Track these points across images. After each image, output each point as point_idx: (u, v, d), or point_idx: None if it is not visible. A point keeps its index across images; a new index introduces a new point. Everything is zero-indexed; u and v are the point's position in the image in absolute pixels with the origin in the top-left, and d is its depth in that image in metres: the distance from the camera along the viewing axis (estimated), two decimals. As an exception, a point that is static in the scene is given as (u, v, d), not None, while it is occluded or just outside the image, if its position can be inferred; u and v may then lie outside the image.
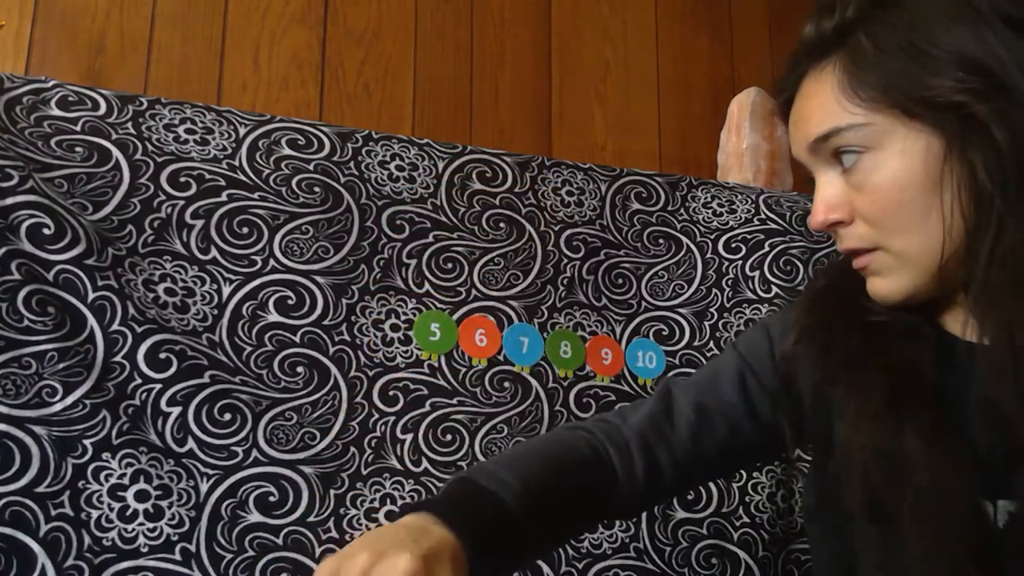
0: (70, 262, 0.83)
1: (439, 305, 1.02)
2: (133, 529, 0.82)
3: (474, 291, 1.04)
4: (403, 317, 1.00)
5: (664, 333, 1.11)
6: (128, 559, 0.81)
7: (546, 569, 0.96)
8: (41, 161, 0.87)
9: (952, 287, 0.65)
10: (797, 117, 0.69)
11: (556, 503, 0.70)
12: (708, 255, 1.16)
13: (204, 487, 0.86)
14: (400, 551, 0.54)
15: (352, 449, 0.93)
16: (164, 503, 0.84)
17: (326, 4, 1.41)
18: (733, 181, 1.34)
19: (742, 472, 1.05)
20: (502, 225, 1.08)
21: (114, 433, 0.83)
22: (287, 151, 1.00)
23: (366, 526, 0.91)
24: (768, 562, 1.02)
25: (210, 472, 0.86)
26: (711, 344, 1.11)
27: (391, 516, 0.92)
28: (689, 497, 1.04)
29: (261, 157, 0.99)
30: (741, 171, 1.39)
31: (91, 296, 0.83)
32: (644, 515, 1.00)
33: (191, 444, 0.86)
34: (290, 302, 0.95)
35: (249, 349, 0.91)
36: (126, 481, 0.82)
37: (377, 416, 0.95)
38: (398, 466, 0.94)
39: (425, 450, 0.96)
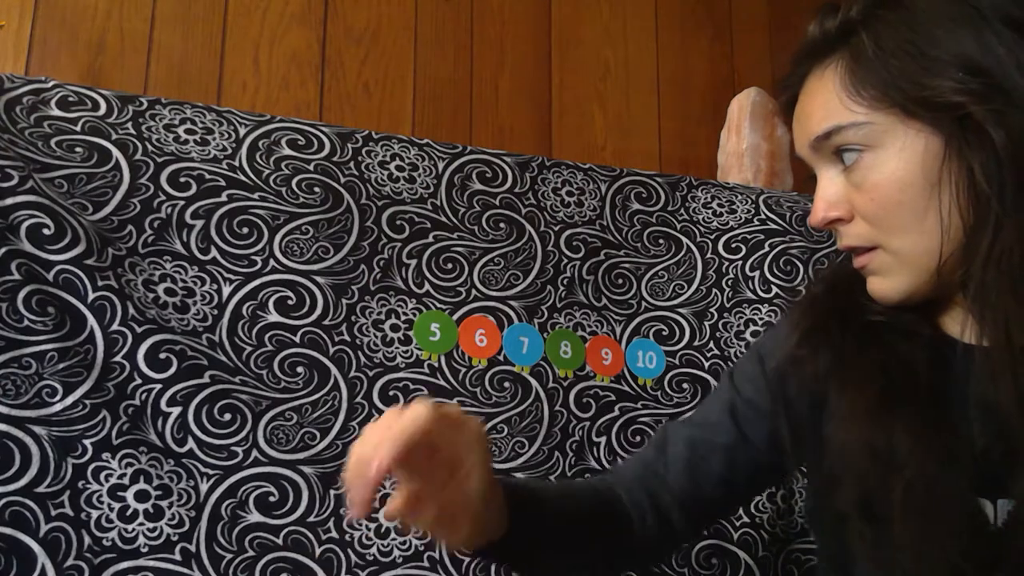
0: (70, 262, 0.83)
1: (439, 305, 1.02)
2: (133, 529, 0.82)
3: (474, 291, 1.04)
4: (403, 317, 1.00)
5: (664, 333, 1.11)
6: (128, 559, 0.81)
7: (546, 569, 0.96)
8: (41, 161, 0.87)
9: (950, 288, 0.65)
10: (800, 115, 0.69)
11: (568, 516, 0.70)
12: (708, 255, 1.16)
13: (204, 487, 0.86)
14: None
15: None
16: (164, 503, 0.84)
17: (326, 4, 1.41)
18: (733, 181, 1.34)
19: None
20: (502, 225, 1.08)
21: (114, 433, 0.83)
22: (287, 151, 1.00)
23: (366, 526, 0.91)
24: (768, 562, 1.02)
25: (210, 472, 0.86)
26: (711, 344, 1.11)
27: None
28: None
29: (261, 157, 0.99)
30: (741, 171, 1.39)
31: (91, 296, 0.83)
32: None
33: (191, 444, 0.86)
34: (290, 302, 0.95)
35: (249, 349, 0.91)
36: (126, 481, 0.82)
37: (377, 416, 0.95)
38: (398, 466, 0.94)
39: (425, 450, 0.96)
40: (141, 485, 0.83)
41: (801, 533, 1.04)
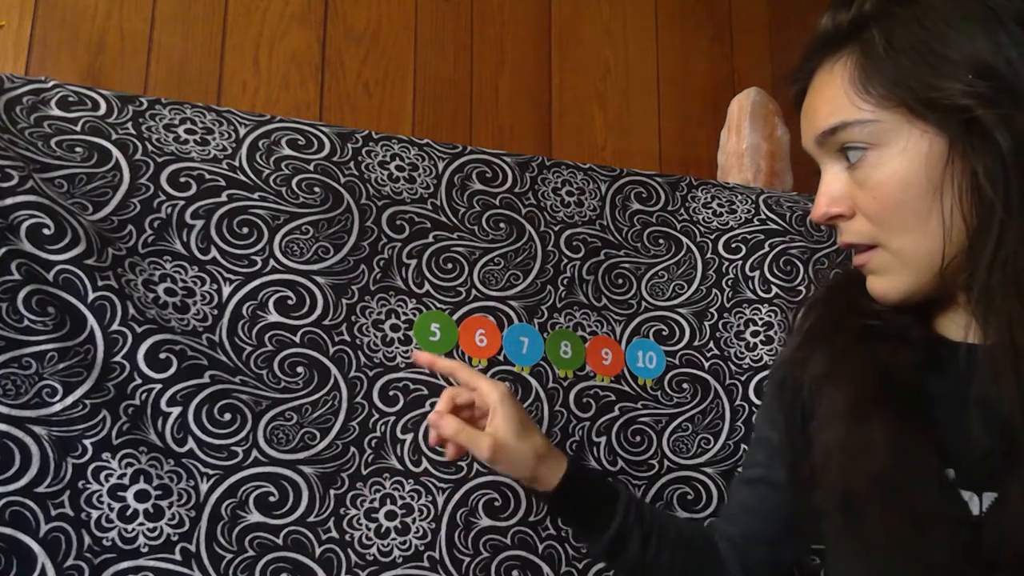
0: (70, 262, 0.83)
1: (439, 305, 1.02)
2: (133, 529, 0.82)
3: (474, 291, 1.04)
4: (403, 317, 1.00)
5: (664, 333, 1.11)
6: (128, 559, 0.81)
7: (546, 569, 0.96)
8: (41, 161, 0.87)
9: (954, 289, 0.65)
10: (807, 109, 0.69)
11: (664, 530, 0.83)
12: (708, 255, 1.16)
13: (204, 487, 0.86)
14: None
15: (352, 449, 0.93)
16: (164, 503, 0.84)
17: (326, 4, 1.41)
18: (733, 181, 1.34)
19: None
20: (502, 225, 1.08)
21: (114, 433, 0.83)
22: (287, 151, 1.00)
23: (366, 526, 0.91)
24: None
25: (210, 472, 0.86)
26: (711, 344, 1.11)
27: (391, 516, 0.93)
28: (689, 497, 1.04)
29: (261, 157, 0.99)
30: (741, 171, 1.39)
31: (91, 296, 0.83)
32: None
33: (191, 444, 0.86)
34: (290, 302, 0.95)
35: (249, 349, 0.91)
36: (126, 481, 0.82)
37: (377, 416, 0.95)
38: (398, 466, 0.94)
39: (425, 450, 0.96)
40: (141, 485, 0.83)
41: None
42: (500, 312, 1.04)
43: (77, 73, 1.25)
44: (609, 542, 0.82)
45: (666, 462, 1.05)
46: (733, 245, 1.16)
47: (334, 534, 0.90)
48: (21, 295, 0.81)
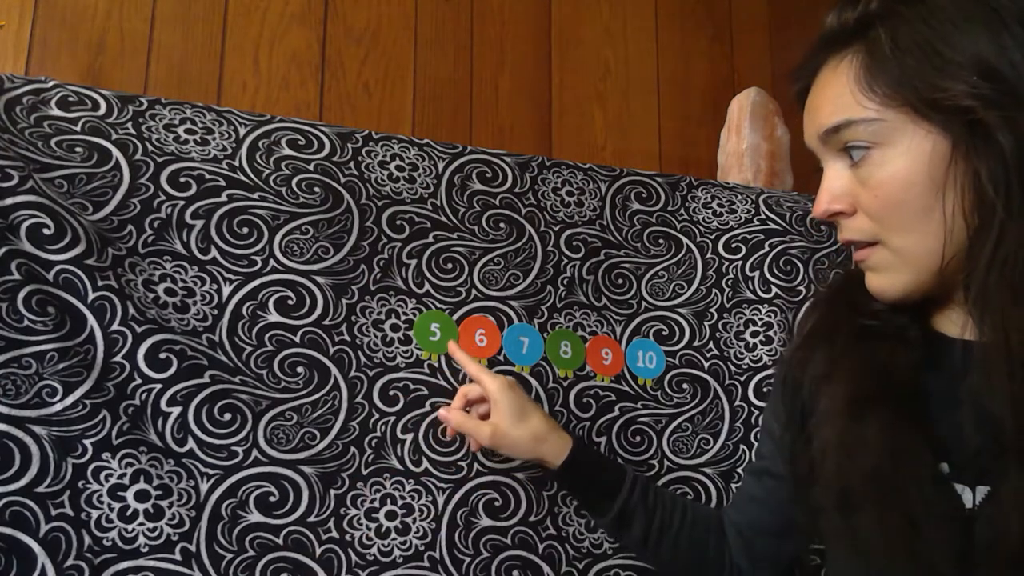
0: (70, 262, 0.83)
1: (439, 305, 1.02)
2: (133, 529, 0.82)
3: (474, 291, 1.04)
4: (403, 317, 1.00)
5: (664, 333, 1.11)
6: (128, 559, 0.81)
7: (546, 569, 0.96)
8: (41, 161, 0.87)
9: (952, 287, 0.66)
10: (811, 106, 0.69)
11: (669, 511, 0.89)
12: (708, 255, 1.16)
13: (204, 487, 0.86)
14: None
15: (352, 449, 0.93)
16: (164, 503, 0.84)
17: (326, 4, 1.41)
18: (733, 181, 1.34)
19: (739, 474, 1.05)
20: (502, 225, 1.08)
21: (114, 433, 0.83)
22: (287, 151, 1.00)
23: (366, 526, 0.91)
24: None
25: (210, 472, 0.86)
26: (711, 344, 1.11)
27: (391, 516, 0.93)
28: (689, 497, 1.04)
29: (261, 157, 0.99)
30: (741, 171, 1.39)
31: (91, 296, 0.83)
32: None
33: (191, 444, 0.86)
34: (290, 302, 0.95)
35: (249, 349, 0.91)
36: (126, 481, 0.82)
37: (377, 416, 0.95)
38: (398, 466, 0.94)
39: (425, 450, 0.96)
40: (141, 485, 0.83)
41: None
42: (500, 312, 1.04)
43: (77, 73, 1.25)
44: (613, 520, 0.88)
45: (666, 462, 1.05)
46: (733, 245, 1.16)
47: (334, 534, 0.90)
48: (21, 295, 0.81)
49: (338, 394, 0.94)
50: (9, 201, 0.81)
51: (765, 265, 1.14)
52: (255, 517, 0.87)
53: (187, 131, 0.97)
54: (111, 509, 0.82)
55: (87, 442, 0.82)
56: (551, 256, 1.09)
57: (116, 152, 0.92)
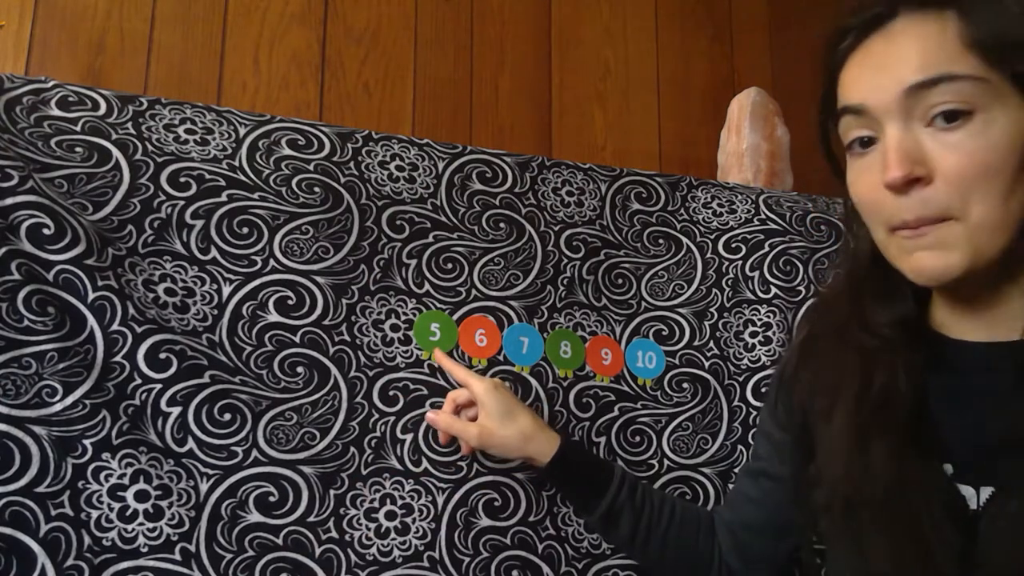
0: (70, 262, 0.83)
1: (439, 305, 1.02)
2: (133, 529, 0.82)
3: (474, 291, 1.04)
4: (403, 317, 1.00)
5: (664, 333, 1.11)
6: (128, 559, 0.81)
7: (546, 569, 0.96)
8: (41, 161, 0.87)
9: (968, 286, 0.65)
10: (887, 56, 0.62)
11: (657, 510, 0.89)
12: (708, 255, 1.16)
13: (204, 487, 0.86)
14: None
15: (352, 449, 0.93)
16: (164, 503, 0.84)
17: (326, 4, 1.41)
18: (733, 181, 1.34)
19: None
20: (502, 225, 1.08)
21: (114, 433, 0.83)
22: (287, 151, 1.00)
23: (366, 526, 0.91)
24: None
25: (210, 472, 0.86)
26: (711, 344, 1.11)
27: (391, 516, 0.93)
28: (687, 497, 1.04)
29: (261, 157, 0.99)
30: (741, 171, 1.39)
31: (91, 296, 0.83)
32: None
33: (191, 444, 0.86)
34: (290, 302, 0.95)
35: (249, 349, 0.91)
36: (126, 481, 0.82)
37: (377, 416, 0.95)
38: (398, 466, 0.94)
39: (425, 450, 0.96)
40: (141, 485, 0.83)
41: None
42: (500, 312, 1.04)
43: (77, 73, 1.25)
44: (601, 518, 0.88)
45: (666, 462, 1.05)
46: (733, 245, 1.16)
47: (334, 534, 0.90)
48: (21, 295, 0.81)
49: (338, 394, 0.94)
50: (9, 201, 0.81)
51: (765, 265, 1.14)
52: (255, 517, 0.87)
53: (187, 131, 0.97)
54: (111, 509, 0.82)
55: (87, 442, 0.82)
56: (551, 256, 1.09)
57: (116, 152, 0.92)
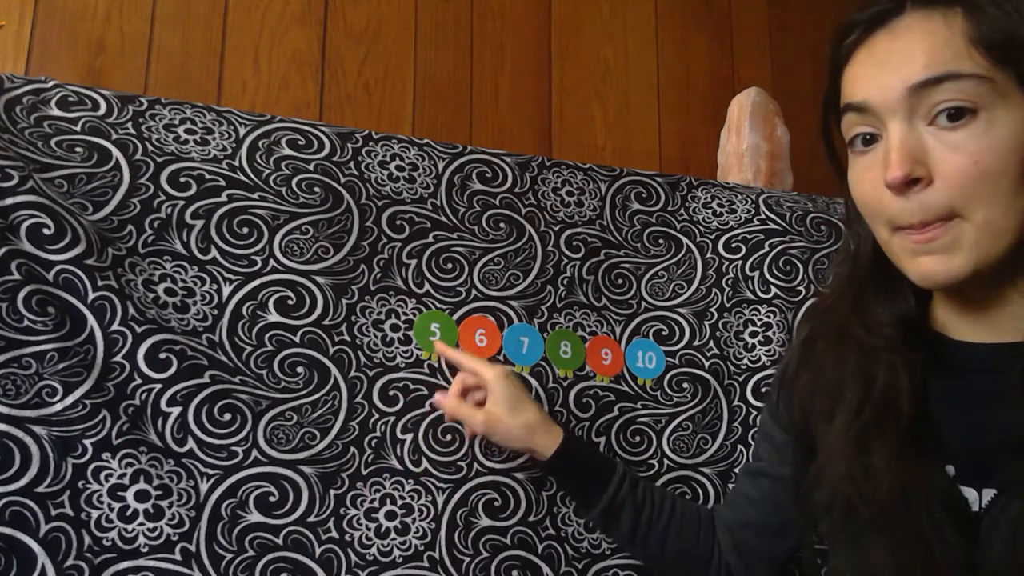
0: (70, 262, 0.83)
1: (439, 305, 1.02)
2: (133, 529, 0.82)
3: (474, 291, 1.04)
4: (403, 317, 1.00)
5: (664, 333, 1.11)
6: (128, 559, 0.81)
7: (546, 569, 0.96)
8: (41, 161, 0.87)
9: (971, 286, 0.65)
10: (893, 53, 0.62)
11: (657, 504, 0.90)
12: (708, 255, 1.16)
13: (204, 487, 0.86)
14: None
15: (352, 449, 0.93)
16: (164, 503, 0.84)
17: (326, 4, 1.41)
18: (733, 181, 1.34)
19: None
20: (502, 225, 1.08)
21: (114, 433, 0.83)
22: (287, 151, 1.00)
23: (366, 526, 0.91)
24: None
25: (210, 472, 0.86)
26: (711, 344, 1.11)
27: (391, 516, 0.93)
28: (687, 497, 1.04)
29: (261, 157, 0.99)
30: (741, 171, 1.39)
31: (91, 296, 0.83)
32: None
33: (191, 444, 0.86)
34: (290, 302, 0.95)
35: (249, 349, 0.92)
36: (126, 481, 0.82)
37: (377, 416, 0.95)
38: (398, 466, 0.94)
39: (425, 450, 0.96)
40: (141, 485, 0.83)
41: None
42: (500, 312, 1.04)
43: (77, 73, 1.25)
44: (602, 513, 0.89)
45: (666, 461, 1.05)
46: (733, 245, 1.16)
47: (334, 534, 0.90)
48: (21, 295, 0.81)
49: (338, 394, 0.94)
50: (9, 201, 0.81)
51: (765, 265, 1.14)
52: (255, 517, 0.87)
53: (187, 131, 0.97)
54: (111, 509, 0.82)
55: (87, 442, 0.82)
56: (551, 256, 1.09)
57: (116, 152, 0.92)
